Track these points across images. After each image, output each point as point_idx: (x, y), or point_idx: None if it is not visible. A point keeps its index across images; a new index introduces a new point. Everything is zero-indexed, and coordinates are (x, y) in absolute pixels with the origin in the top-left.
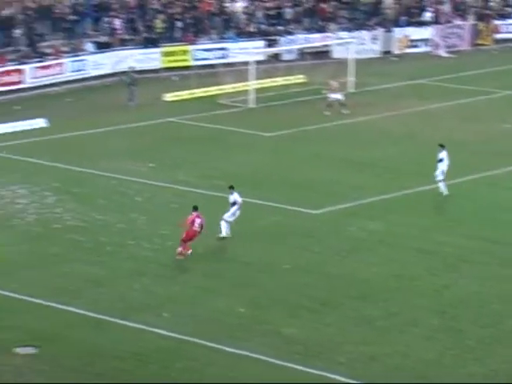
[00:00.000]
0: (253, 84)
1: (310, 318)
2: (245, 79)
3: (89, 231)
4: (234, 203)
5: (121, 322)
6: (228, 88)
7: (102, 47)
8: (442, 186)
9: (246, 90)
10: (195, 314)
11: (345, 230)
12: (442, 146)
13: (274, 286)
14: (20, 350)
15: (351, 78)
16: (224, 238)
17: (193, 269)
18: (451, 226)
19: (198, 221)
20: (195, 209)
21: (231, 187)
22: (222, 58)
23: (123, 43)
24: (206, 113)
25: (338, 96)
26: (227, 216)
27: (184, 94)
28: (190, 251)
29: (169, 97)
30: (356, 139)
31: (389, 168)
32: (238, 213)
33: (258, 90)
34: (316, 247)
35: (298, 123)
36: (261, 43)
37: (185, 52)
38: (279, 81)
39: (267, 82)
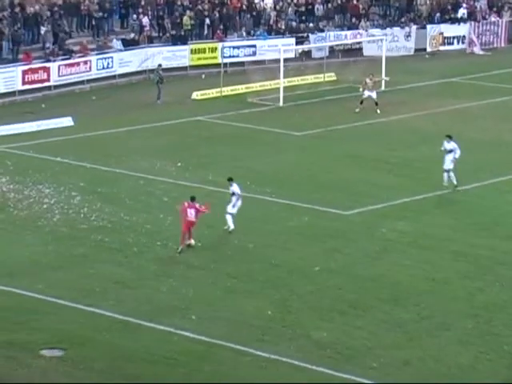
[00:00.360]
0: (282, 82)
1: (341, 321)
2: (274, 77)
3: (115, 232)
4: (233, 194)
5: (148, 324)
6: (257, 86)
7: (129, 44)
8: (446, 177)
9: (276, 89)
10: (223, 316)
11: (376, 232)
12: (450, 137)
13: (303, 289)
14: (46, 352)
15: (383, 76)
16: (232, 231)
17: (221, 270)
18: (485, 227)
19: (190, 211)
20: (192, 199)
21: (230, 179)
22: (252, 55)
23: (151, 40)
24: (234, 111)
25: (373, 94)
26: (229, 208)
27: (212, 93)
28: (192, 241)
29: (197, 95)
30: (387, 139)
31: (421, 168)
32: (239, 203)
33: (288, 89)
34: (346, 249)
35: (328, 122)
36: (291, 40)
37: (213, 49)
38: (309, 79)
39: (297, 80)
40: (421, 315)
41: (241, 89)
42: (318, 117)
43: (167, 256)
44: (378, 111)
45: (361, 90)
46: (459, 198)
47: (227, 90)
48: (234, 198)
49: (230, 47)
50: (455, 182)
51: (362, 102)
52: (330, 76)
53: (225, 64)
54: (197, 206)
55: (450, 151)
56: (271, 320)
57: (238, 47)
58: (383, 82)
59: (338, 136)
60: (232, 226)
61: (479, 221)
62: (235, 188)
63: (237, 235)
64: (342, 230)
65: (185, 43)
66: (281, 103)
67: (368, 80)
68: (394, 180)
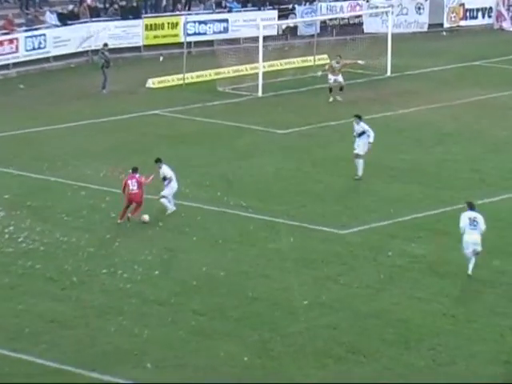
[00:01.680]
0: (262, 66)
1: (336, 368)
2: (251, 60)
3: (49, 256)
4: (165, 178)
5: (91, 374)
6: (229, 72)
7: (67, 19)
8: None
9: (253, 75)
10: (187, 363)
11: (379, 256)
12: (359, 118)
13: (288, 328)
14: None
15: (388, 59)
16: (171, 212)
17: (186, 304)
18: None
19: (132, 182)
20: (134, 170)
21: (158, 160)
22: (223, 32)
23: (94, 14)
24: (200, 104)
25: (339, 78)
26: (163, 192)
27: (173, 80)
28: (145, 218)
29: (153, 83)
30: (393, 138)
31: (437, 175)
32: (174, 185)
33: (269, 75)
34: (343, 277)
35: (318, 117)
36: (272, 14)
37: (174, 25)
38: (295, 62)
39: (280, 64)
40: (437, 361)
41: (209, 75)
42: (306, 110)
43: (116, 287)
44: (339, 98)
45: (319, 73)
46: (485, 213)
47: (192, 77)
48: (166, 183)
49: (194, 22)
50: (359, 173)
51: (331, 90)
52: (322, 58)
53: (189, 44)
54: (137, 176)
55: (361, 134)
56: (248, 367)
57: (205, 22)
58: (386, 66)
59: (330, 134)
60: (172, 208)
61: (508, 242)
62: (165, 170)
63: (204, 260)
64: (337, 254)
65: (137, 17)
66: (260, 93)
67: (335, 63)
68: (403, 190)
